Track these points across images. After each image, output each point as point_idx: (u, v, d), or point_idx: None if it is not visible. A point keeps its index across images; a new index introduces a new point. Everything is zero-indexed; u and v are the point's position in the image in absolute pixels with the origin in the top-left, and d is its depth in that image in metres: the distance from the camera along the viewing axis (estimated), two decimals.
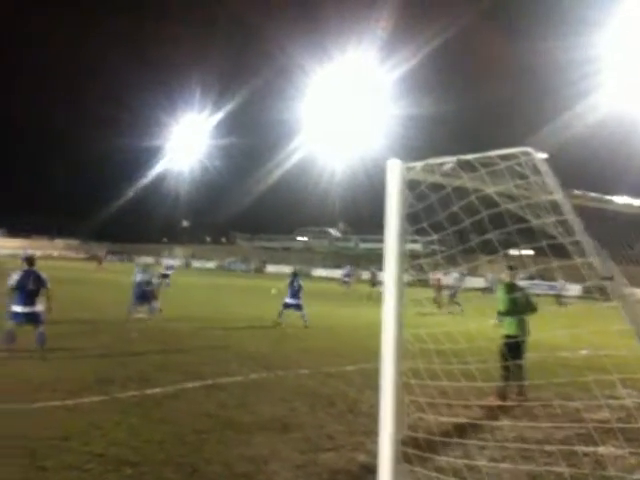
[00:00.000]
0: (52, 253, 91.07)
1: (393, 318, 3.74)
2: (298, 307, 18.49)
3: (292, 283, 18.60)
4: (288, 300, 18.48)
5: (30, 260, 11.66)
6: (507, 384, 8.99)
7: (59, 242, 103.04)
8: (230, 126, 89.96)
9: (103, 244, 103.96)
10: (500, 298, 9.68)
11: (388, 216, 3.74)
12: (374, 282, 34.73)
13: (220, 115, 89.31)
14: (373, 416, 7.72)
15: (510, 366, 8.83)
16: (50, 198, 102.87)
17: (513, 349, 8.93)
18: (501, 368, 9.02)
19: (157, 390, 9.14)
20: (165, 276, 30.37)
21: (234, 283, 29.27)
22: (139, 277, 17.59)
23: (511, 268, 9.99)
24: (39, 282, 11.22)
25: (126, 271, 31.49)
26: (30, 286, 11.08)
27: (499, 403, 8.70)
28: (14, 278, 11.08)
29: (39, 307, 11.23)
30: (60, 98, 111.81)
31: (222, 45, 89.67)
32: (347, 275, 45.70)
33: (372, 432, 6.74)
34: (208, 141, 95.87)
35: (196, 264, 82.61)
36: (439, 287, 28.19)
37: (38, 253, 36.98)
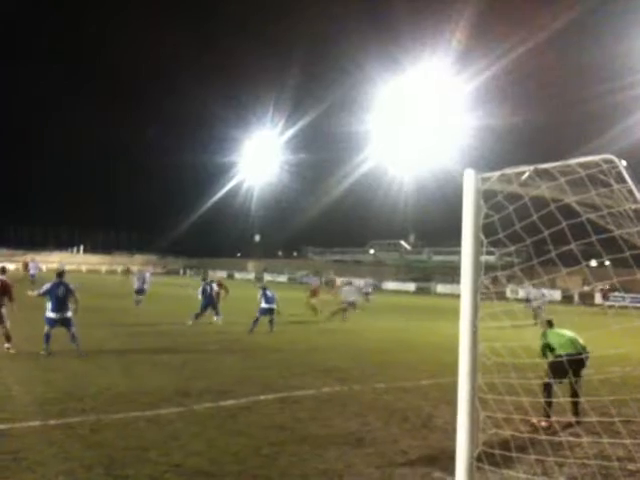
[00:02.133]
0: (133, 269, 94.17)
1: (469, 331, 3.67)
2: (271, 312, 19.31)
3: (265, 295, 19.36)
4: (264, 305, 19.20)
5: (60, 274, 13.31)
6: (549, 402, 8.54)
7: (138, 257, 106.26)
8: (302, 141, 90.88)
9: (180, 259, 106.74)
10: (557, 343, 9.12)
11: (464, 227, 3.68)
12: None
13: (292, 130, 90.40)
14: (448, 431, 7.61)
15: (572, 385, 8.42)
16: (128, 214, 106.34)
17: (571, 367, 8.45)
18: (546, 389, 8.60)
19: (232, 402, 9.27)
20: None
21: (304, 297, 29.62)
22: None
23: (550, 323, 9.60)
24: (67, 291, 12.85)
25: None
26: (60, 294, 12.71)
27: (545, 423, 8.32)
28: (45, 287, 12.89)
29: (69, 313, 12.84)
30: (134, 114, 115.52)
31: (294, 60, 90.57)
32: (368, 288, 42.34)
33: (447, 447, 6.62)
34: (280, 156, 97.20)
35: (268, 277, 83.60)
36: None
37: (119, 269, 38.23)
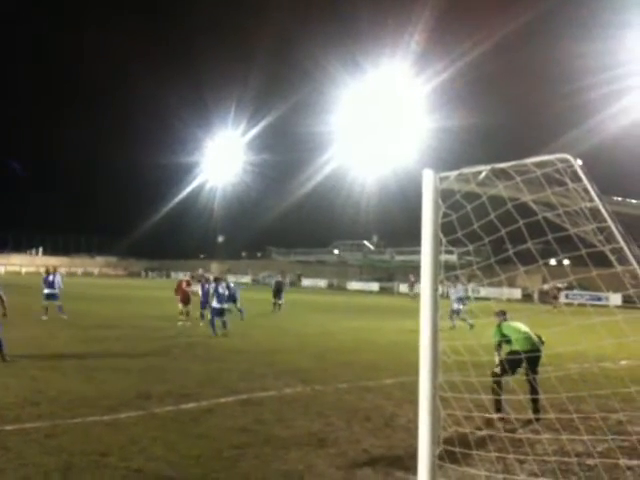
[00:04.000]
0: (93, 271, 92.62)
1: (429, 330, 3.67)
2: (222, 312, 18.58)
3: (217, 292, 18.64)
4: (215, 304, 18.58)
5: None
6: (499, 399, 8.65)
7: (99, 260, 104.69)
8: (264, 142, 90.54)
9: (141, 261, 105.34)
10: (513, 337, 9.19)
11: (423, 226, 3.68)
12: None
13: (254, 131, 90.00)
14: (411, 430, 7.64)
15: (530, 382, 8.52)
16: (87, 216, 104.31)
17: (528, 364, 8.60)
18: (496, 385, 8.70)
19: (193, 405, 9.17)
20: None
21: (269, 297, 29.42)
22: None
23: (503, 313, 9.68)
24: None
25: (166, 287, 31.86)
26: None
27: (500, 416, 8.42)
28: None
29: None
30: (96, 115, 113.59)
31: (256, 61, 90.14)
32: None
33: (410, 446, 6.64)
34: (242, 157, 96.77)
35: (231, 279, 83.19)
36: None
37: (79, 271, 37.60)
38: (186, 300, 21.77)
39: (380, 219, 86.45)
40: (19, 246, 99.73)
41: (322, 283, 72.25)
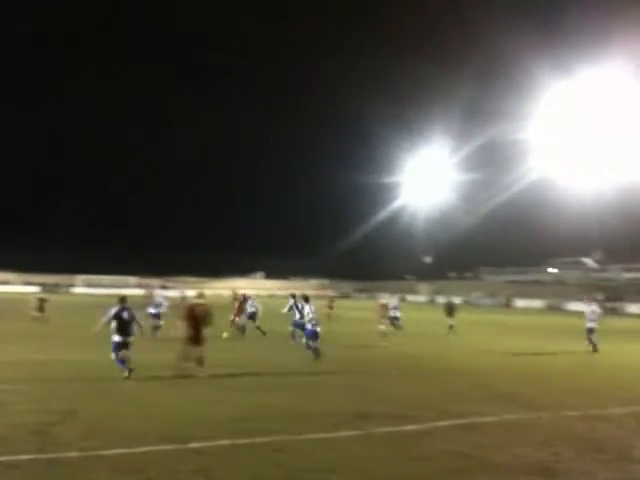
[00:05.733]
0: (309, 293, 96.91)
1: None
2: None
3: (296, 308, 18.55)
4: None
5: (122, 299, 13.47)
6: None
7: (313, 282, 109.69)
8: (471, 160, 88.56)
9: (352, 282, 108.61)
10: None
11: None
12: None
13: (461, 150, 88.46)
14: None
15: None
16: (295, 238, 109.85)
17: None
18: None
19: (411, 427, 9.14)
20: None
21: (482, 319, 28.43)
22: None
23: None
24: (131, 316, 13.20)
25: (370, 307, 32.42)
26: (125, 318, 13.04)
27: None
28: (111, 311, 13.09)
29: (131, 338, 13.09)
30: (294, 134, 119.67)
31: (460, 76, 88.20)
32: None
33: None
34: (448, 176, 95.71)
35: (441, 300, 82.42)
36: None
37: (297, 293, 39.44)
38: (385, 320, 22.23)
39: (604, 234, 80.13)
40: (241, 271, 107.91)
41: (538, 304, 68.75)
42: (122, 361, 12.87)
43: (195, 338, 13.47)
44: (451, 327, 27.31)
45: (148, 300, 43.74)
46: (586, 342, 20.73)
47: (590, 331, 20.98)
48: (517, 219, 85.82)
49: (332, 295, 37.38)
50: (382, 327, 22.01)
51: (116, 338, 12.92)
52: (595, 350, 20.23)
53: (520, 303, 70.23)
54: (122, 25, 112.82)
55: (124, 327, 12.98)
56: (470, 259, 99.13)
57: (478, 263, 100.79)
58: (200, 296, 14.48)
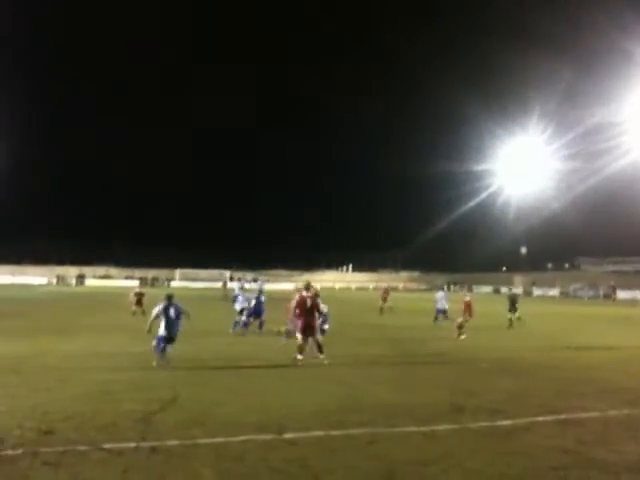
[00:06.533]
0: (397, 285, 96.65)
1: None
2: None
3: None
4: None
5: (169, 297, 14.05)
6: None
7: (403, 274, 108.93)
8: (569, 146, 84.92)
9: (444, 274, 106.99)
10: None
11: None
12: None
13: (562, 138, 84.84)
14: None
15: None
16: (386, 230, 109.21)
17: None
18: None
19: (507, 422, 8.92)
20: None
21: (582, 311, 27.17)
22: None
23: None
24: (178, 312, 13.79)
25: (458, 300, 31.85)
26: (172, 315, 13.65)
27: None
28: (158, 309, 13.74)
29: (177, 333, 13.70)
30: (385, 122, 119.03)
31: (560, 62, 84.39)
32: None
33: None
34: (544, 163, 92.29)
35: (537, 292, 79.83)
36: None
37: (384, 285, 39.32)
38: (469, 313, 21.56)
39: None
40: (331, 264, 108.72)
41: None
42: (162, 350, 13.48)
43: (308, 328, 14.35)
44: (511, 321, 26.10)
45: (226, 292, 44.66)
46: None
47: None
48: (616, 206, 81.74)
49: (386, 287, 36.79)
50: (459, 320, 21.38)
51: (162, 332, 13.57)
52: None
53: (623, 295, 66.93)
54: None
55: (170, 324, 13.62)
56: (568, 249, 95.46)
57: (576, 253, 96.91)
58: (307, 287, 15.20)
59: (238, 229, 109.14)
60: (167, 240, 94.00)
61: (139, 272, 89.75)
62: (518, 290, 36.86)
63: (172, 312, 13.74)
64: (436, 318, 25.96)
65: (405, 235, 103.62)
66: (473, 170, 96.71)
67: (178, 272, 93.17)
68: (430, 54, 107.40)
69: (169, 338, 13.56)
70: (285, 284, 78.42)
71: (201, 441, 7.59)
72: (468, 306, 21.79)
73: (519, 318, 26.43)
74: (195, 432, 7.98)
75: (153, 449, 7.28)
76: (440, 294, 26.96)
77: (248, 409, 9.39)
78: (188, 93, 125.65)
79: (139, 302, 29.01)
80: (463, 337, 20.48)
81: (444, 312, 25.79)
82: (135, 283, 69.88)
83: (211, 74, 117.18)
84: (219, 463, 6.81)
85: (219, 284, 62.27)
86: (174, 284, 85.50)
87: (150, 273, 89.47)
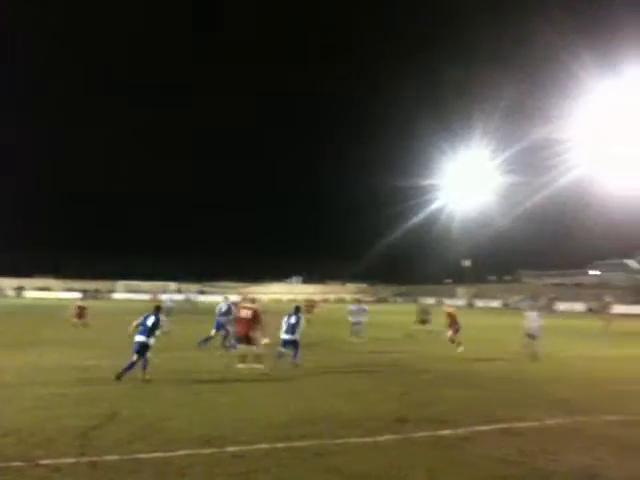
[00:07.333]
0: (345, 297, 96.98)
1: None
2: (292, 344, 16.24)
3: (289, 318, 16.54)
4: (283, 336, 16.39)
5: (157, 307, 14.18)
6: None
7: (350, 286, 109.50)
8: (512, 162, 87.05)
9: (390, 287, 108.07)
10: None
11: None
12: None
13: (501, 153, 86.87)
14: None
15: None
16: (333, 243, 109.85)
17: None
18: None
19: (450, 432, 9.06)
20: None
21: (522, 323, 27.79)
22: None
23: None
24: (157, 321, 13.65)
25: (408, 311, 32.33)
26: (148, 323, 13.52)
27: None
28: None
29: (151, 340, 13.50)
30: (340, 137, 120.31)
31: (505, 79, 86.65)
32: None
33: None
34: (487, 178, 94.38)
35: (479, 304, 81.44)
36: None
37: (332, 297, 39.49)
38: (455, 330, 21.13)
39: None
40: (279, 276, 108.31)
41: (579, 307, 67.47)
42: (143, 362, 13.33)
43: (247, 338, 14.93)
44: (429, 332, 26.47)
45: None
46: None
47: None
48: (558, 221, 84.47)
49: (314, 299, 36.86)
50: (449, 334, 21.02)
51: (137, 338, 13.48)
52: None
53: (562, 306, 68.92)
54: None
55: (144, 330, 13.50)
56: (510, 262, 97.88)
57: (518, 266, 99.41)
58: (251, 300, 15.99)
59: (185, 240, 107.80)
60: (109, 252, 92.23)
61: (80, 284, 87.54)
62: (428, 301, 37.39)
63: (150, 320, 13.62)
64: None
65: (355, 248, 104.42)
66: (420, 185, 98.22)
67: (121, 284, 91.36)
68: (377, 71, 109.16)
69: (144, 345, 13.40)
70: (233, 296, 77.62)
71: (143, 456, 7.43)
72: (451, 317, 21.17)
73: (431, 331, 26.68)
74: (137, 447, 7.82)
75: (92, 464, 7.09)
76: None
77: (194, 423, 9.25)
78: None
79: (80, 315, 28.37)
80: (461, 349, 20.19)
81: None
82: (76, 295, 68.16)
83: None
84: (161, 478, 6.68)
85: (164, 296, 60.99)
86: (116, 296, 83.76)
87: (92, 285, 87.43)
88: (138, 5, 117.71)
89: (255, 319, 15.10)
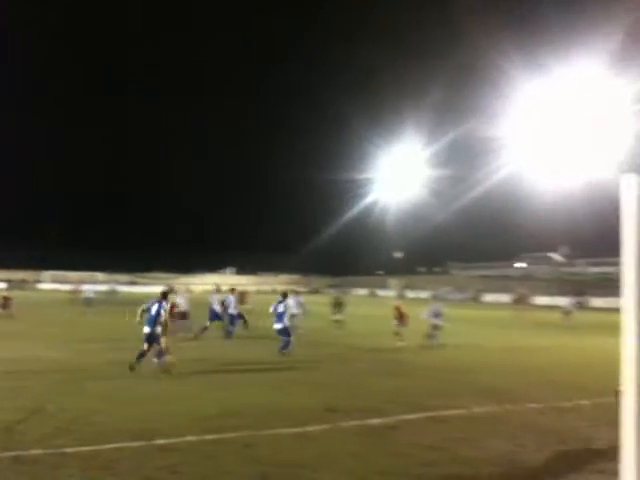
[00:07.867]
0: (277, 288, 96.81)
1: (634, 348, 3.40)
2: (284, 332, 16.93)
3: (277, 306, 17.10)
4: (274, 326, 17.10)
5: (164, 294, 14.10)
6: None
7: (283, 277, 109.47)
8: (442, 155, 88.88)
9: (324, 278, 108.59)
10: None
11: (624, 237, 3.43)
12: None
13: (434, 145, 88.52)
14: (609, 455, 7.07)
15: None
16: (268, 235, 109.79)
17: None
18: None
19: (378, 420, 9.23)
20: None
21: (451, 313, 28.54)
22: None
23: None
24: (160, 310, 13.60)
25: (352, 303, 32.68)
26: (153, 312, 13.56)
27: None
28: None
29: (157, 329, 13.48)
30: (272, 131, 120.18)
31: (436, 75, 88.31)
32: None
33: (608, 471, 6.18)
34: (419, 172, 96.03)
35: (410, 294, 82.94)
36: None
37: (266, 288, 39.45)
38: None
39: (570, 229, 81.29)
40: (212, 267, 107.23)
41: (505, 298, 69.65)
42: (159, 354, 13.54)
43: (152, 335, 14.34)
44: (338, 321, 27.45)
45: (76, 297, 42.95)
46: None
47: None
48: (487, 215, 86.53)
49: (241, 290, 37.04)
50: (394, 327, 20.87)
51: (144, 329, 13.53)
52: None
53: (489, 298, 71.00)
54: None
55: (150, 320, 13.54)
56: (440, 254, 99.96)
57: (447, 258, 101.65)
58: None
59: (114, 230, 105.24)
60: (36, 241, 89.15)
61: (4, 274, 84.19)
62: (343, 292, 38.12)
63: (153, 309, 13.59)
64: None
65: (289, 240, 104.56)
66: (355, 178, 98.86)
67: (47, 274, 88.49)
68: (312, 66, 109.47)
69: (150, 335, 13.42)
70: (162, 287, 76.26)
71: (69, 450, 7.26)
72: (398, 310, 21.14)
73: (342, 321, 27.49)
74: (63, 441, 7.62)
75: (16, 459, 6.88)
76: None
77: (122, 417, 9.09)
78: None
79: (4, 305, 27.42)
80: (401, 344, 19.79)
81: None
82: (1, 285, 65.61)
83: None
84: (87, 472, 6.54)
85: (85, 286, 58.87)
86: (43, 286, 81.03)
87: (17, 275, 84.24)
88: (138, 5, 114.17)
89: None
